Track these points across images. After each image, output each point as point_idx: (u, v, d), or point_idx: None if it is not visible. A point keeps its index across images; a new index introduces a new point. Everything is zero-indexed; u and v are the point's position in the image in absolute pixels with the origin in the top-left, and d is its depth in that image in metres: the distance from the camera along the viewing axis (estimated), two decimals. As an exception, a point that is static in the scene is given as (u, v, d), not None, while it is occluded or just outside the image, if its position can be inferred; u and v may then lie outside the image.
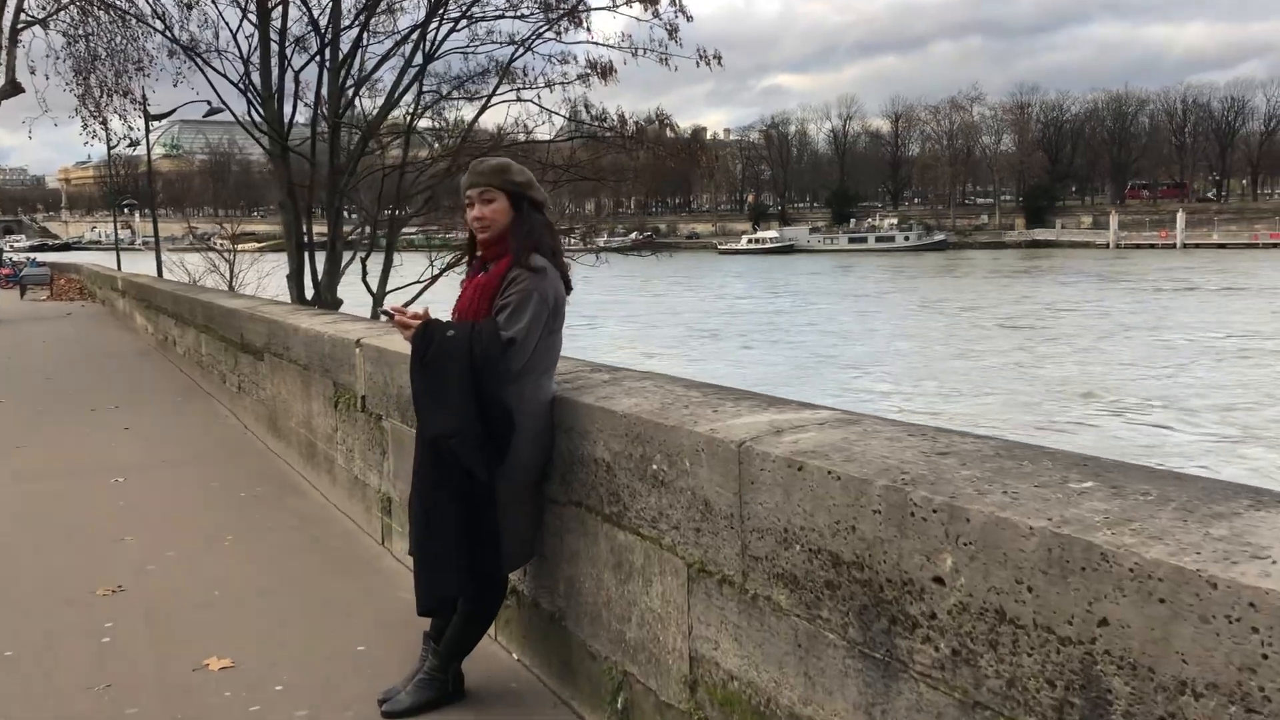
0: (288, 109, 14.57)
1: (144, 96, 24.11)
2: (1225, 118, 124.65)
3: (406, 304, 13.28)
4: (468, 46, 14.76)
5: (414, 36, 14.39)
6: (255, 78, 14.23)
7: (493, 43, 15.01)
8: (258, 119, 14.47)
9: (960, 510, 2.07)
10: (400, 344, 5.64)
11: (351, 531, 6.33)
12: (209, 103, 25.25)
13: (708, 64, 14.83)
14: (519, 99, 14.50)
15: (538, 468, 3.82)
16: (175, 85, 18.61)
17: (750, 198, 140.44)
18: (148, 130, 26.94)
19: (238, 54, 14.31)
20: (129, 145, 29.19)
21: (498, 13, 14.27)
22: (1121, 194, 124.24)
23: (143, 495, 7.36)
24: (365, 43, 14.36)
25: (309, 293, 14.18)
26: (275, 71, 14.34)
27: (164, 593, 5.30)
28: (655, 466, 3.17)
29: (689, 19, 15.02)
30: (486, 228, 3.77)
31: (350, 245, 15.02)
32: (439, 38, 14.29)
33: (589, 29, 13.78)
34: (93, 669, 4.35)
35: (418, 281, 15.02)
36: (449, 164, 14.80)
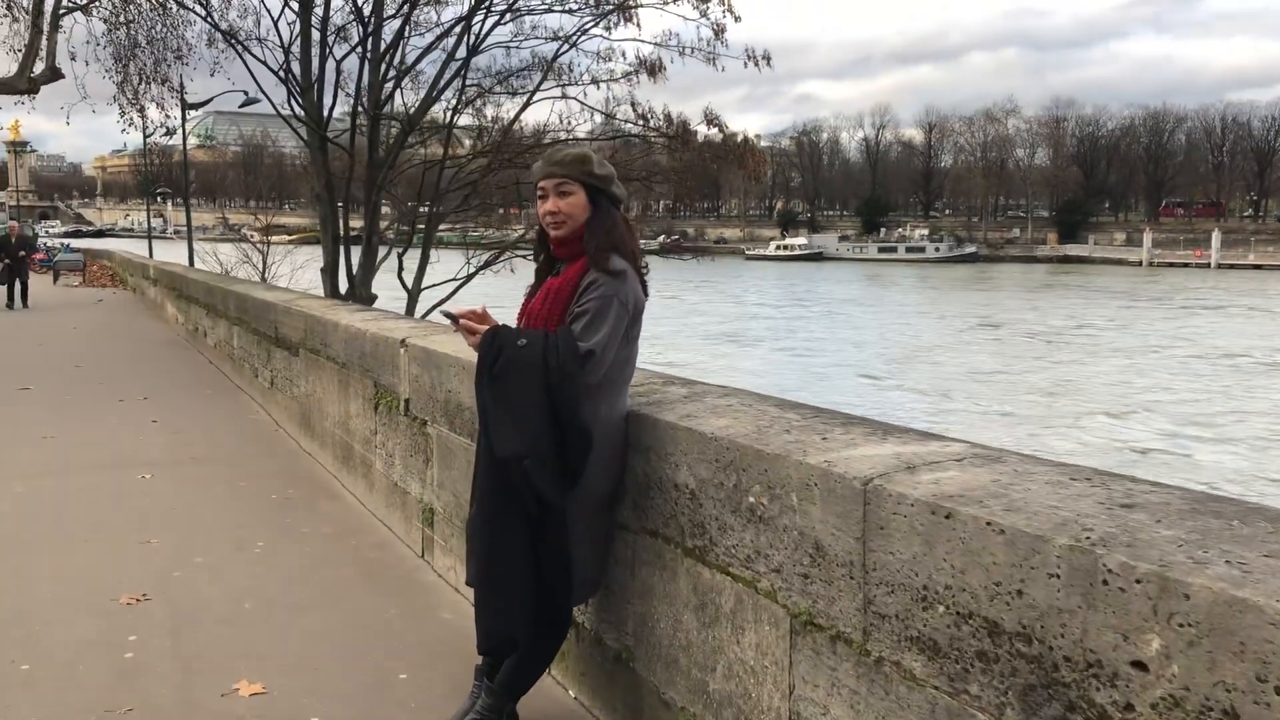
0: (327, 100, 14.32)
1: (181, 85, 23.97)
2: (1265, 137, 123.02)
3: (440, 302, 13.00)
4: (511, 41, 14.47)
5: (457, 29, 14.11)
6: (295, 68, 13.99)
7: (537, 38, 14.70)
8: (296, 109, 14.23)
9: (1175, 584, 1.69)
10: (450, 346, 5.31)
11: (389, 541, 6.00)
12: (245, 93, 25.09)
13: (756, 64, 14.49)
14: (564, 96, 14.19)
15: (610, 490, 3.46)
16: (212, 74, 18.40)
17: (779, 204, 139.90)
18: (184, 119, 26.79)
19: (279, 42, 14.07)
20: (165, 134, 29.12)
21: (545, 6, 13.95)
22: (1156, 211, 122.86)
23: (170, 494, 7.06)
24: (408, 34, 14.09)
25: (343, 287, 13.91)
26: (315, 61, 14.11)
27: (191, 604, 4.97)
28: (752, 499, 2.81)
29: (737, 19, 14.67)
30: (561, 224, 3.42)
31: (386, 240, 14.73)
32: (483, 31, 14.01)
33: (639, 25, 13.47)
34: (114, 689, 4.02)
35: (453, 279, 14.72)
36: (488, 160, 14.51)
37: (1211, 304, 59.70)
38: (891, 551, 2.31)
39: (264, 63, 13.72)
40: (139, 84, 22.07)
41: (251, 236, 34.02)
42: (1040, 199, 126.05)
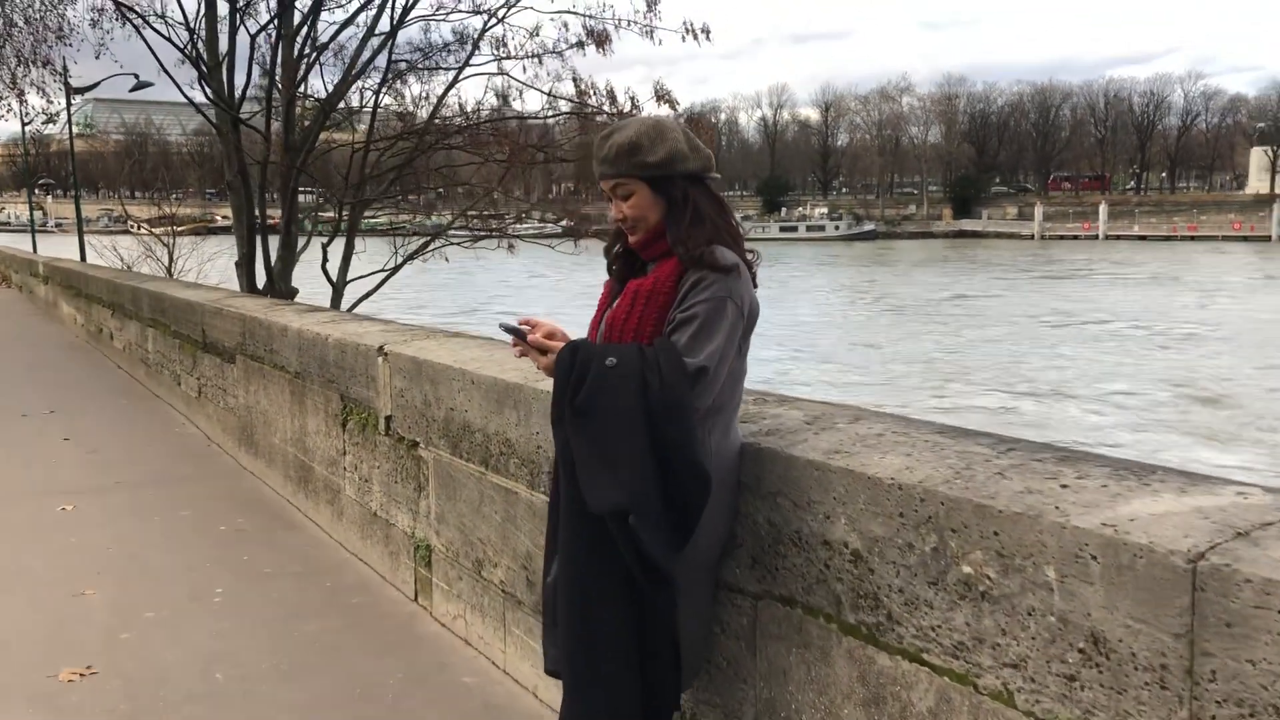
0: (239, 80, 13.21)
1: (65, 68, 22.34)
2: (1145, 113, 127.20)
3: (367, 295, 12.04)
4: (435, 14, 13.54)
5: (377, 2, 13.13)
6: (202, 46, 12.84)
7: (462, 10, 13.79)
8: (204, 91, 13.09)
9: None
10: (446, 354, 4.54)
11: (370, 581, 5.20)
12: (136, 76, 23.54)
13: (695, 38, 13.79)
14: (500, 71, 13.31)
15: (721, 544, 2.77)
16: (97, 57, 16.98)
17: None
18: (69, 105, 25.03)
19: (182, 20, 12.90)
20: (45, 122, 27.21)
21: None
22: (1045, 185, 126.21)
23: (99, 529, 6.13)
24: (324, 6, 13.05)
25: (260, 281, 12.88)
26: (224, 38, 12.99)
27: (150, 676, 4.12)
28: (968, 569, 2.15)
29: (671, -9, 13.98)
30: (633, 227, 2.72)
31: (305, 230, 13.71)
32: (409, 2, 13.05)
33: (581, -8, 12.67)
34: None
35: (382, 270, 13.77)
36: (415, 143, 13.57)
37: (1101, 274, 61.18)
38: (1250, 659, 1.68)
39: (168, 39, 12.56)
40: (16, 67, 20.48)
41: (139, 229, 32.15)
42: (934, 175, 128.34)
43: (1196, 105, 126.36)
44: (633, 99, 12.62)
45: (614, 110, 12.68)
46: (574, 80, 12.54)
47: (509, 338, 2.79)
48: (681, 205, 2.68)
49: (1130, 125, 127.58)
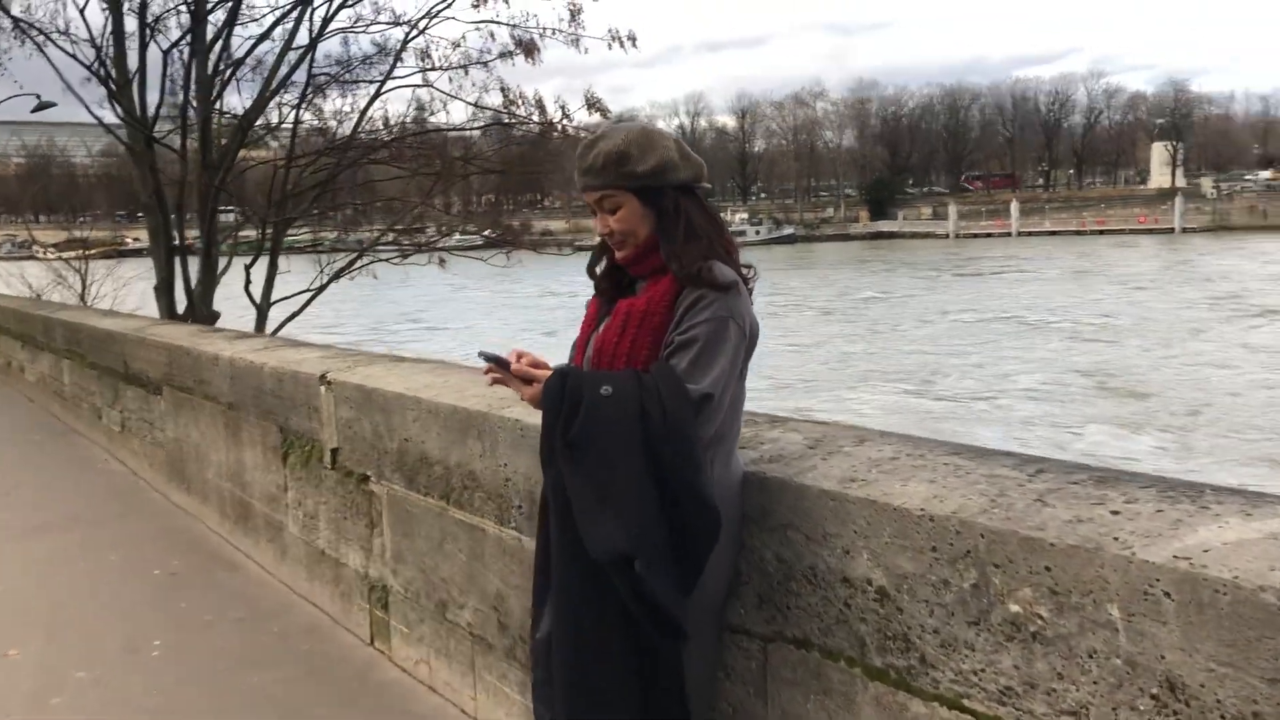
0: (152, 98, 12.67)
1: (-41, 89, 21.39)
2: (1051, 111, 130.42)
3: (292, 316, 11.63)
4: (355, 25, 13.13)
5: (294, 15, 12.71)
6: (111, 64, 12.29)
7: (383, 23, 13.41)
8: (112, 110, 12.56)
9: None
10: (396, 380, 4.28)
11: (320, 624, 4.89)
12: (38, 96, 22.65)
13: (621, 45, 13.62)
14: (425, 83, 12.96)
15: (727, 583, 2.57)
16: (-6, 77, 16.24)
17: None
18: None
19: (87, 37, 12.33)
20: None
21: (396, -15, 12.68)
22: (957, 185, 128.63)
23: (21, 577, 5.72)
24: (239, 20, 12.59)
25: (181, 306, 12.37)
26: (134, 54, 12.45)
27: (87, 745, 3.81)
28: (1016, 608, 1.97)
29: (595, -1, 13.78)
30: (621, 243, 2.51)
31: (225, 252, 13.20)
32: (329, 14, 12.65)
33: (508, 1, 12.36)
34: None
35: (307, 290, 13.32)
36: (339, 157, 13.16)
37: (1014, 270, 62.37)
38: (1362, 706, 1.52)
39: (73, 56, 12.01)
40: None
41: (47, 254, 30.95)
42: (850, 178, 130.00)
43: (1099, 103, 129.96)
44: (563, 108, 12.41)
45: (543, 120, 12.46)
46: (502, 90, 12.29)
47: (485, 365, 2.56)
48: (674, 218, 2.48)
49: (1037, 124, 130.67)
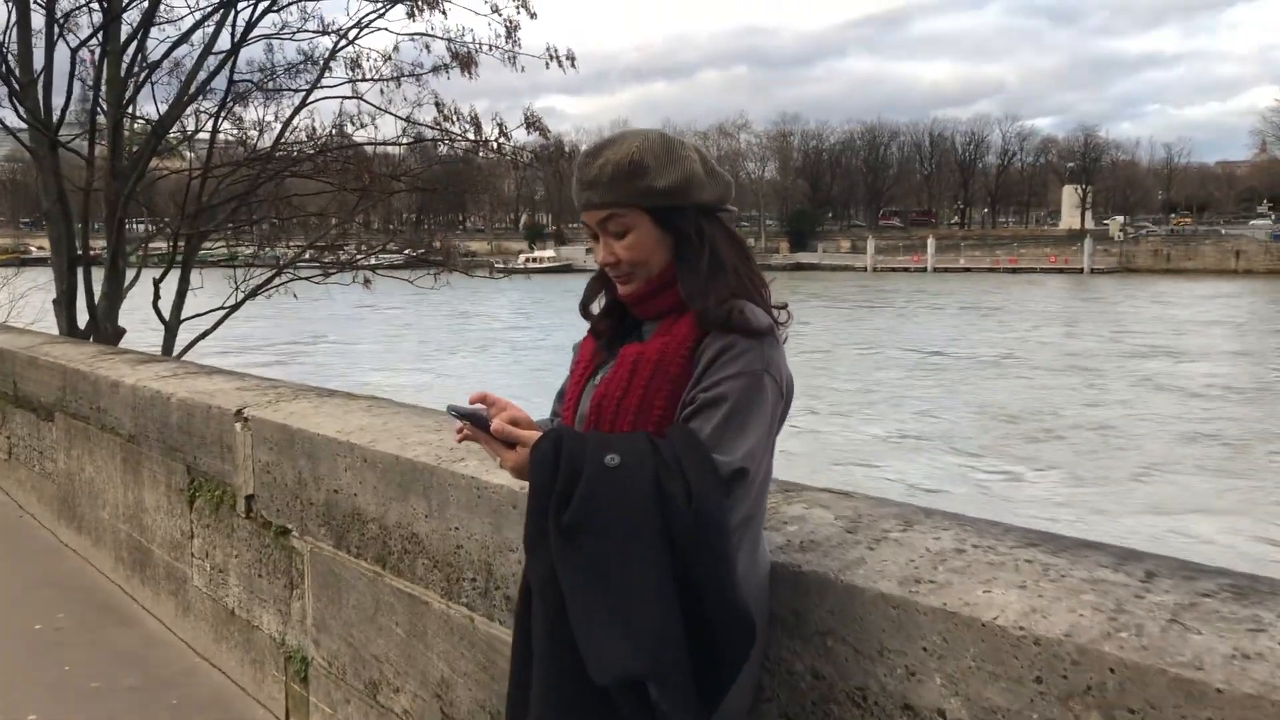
0: (58, 100, 11.82)
1: None
2: (967, 151, 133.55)
3: (204, 334, 10.85)
4: (281, 31, 12.45)
5: (215, 18, 12.00)
6: (15, 61, 11.43)
7: (310, 30, 12.76)
8: (14, 111, 11.69)
9: None
10: (327, 421, 3.73)
11: (228, 695, 4.28)
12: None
13: (560, 65, 13.14)
14: (355, 94, 12.32)
15: (751, 699, 2.08)
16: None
17: (525, 217, 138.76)
18: None
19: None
20: None
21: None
22: (876, 220, 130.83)
23: (-123, 633, 5.00)
24: (155, 21, 11.84)
25: (83, 320, 11.52)
26: (40, 52, 11.62)
27: None
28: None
29: (533, 16, 13.29)
30: (628, 275, 2.03)
31: (133, 264, 12.36)
32: (253, 18, 11.96)
33: (444, 12, 11.79)
34: None
35: (220, 309, 12.54)
36: (260, 169, 12.45)
37: (925, 305, 63.27)
38: None
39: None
40: None
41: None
42: (772, 210, 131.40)
43: (1013, 145, 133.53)
44: (500, 125, 11.87)
45: (478, 138, 11.91)
46: (437, 105, 11.73)
47: (457, 423, 2.06)
48: (696, 245, 2.01)
49: (954, 163, 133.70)
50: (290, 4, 12.35)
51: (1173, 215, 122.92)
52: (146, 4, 11.65)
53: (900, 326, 50.19)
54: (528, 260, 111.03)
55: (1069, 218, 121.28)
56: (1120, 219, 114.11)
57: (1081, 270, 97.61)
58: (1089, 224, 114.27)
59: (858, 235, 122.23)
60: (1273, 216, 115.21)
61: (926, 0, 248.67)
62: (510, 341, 43.04)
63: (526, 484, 1.95)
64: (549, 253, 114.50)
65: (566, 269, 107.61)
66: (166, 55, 12.34)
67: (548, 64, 12.92)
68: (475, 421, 2.00)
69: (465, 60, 11.60)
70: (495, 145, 11.97)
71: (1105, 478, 19.60)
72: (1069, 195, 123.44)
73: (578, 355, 2.23)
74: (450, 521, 3.02)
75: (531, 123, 11.72)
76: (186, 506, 4.73)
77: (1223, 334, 44.85)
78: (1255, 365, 35.93)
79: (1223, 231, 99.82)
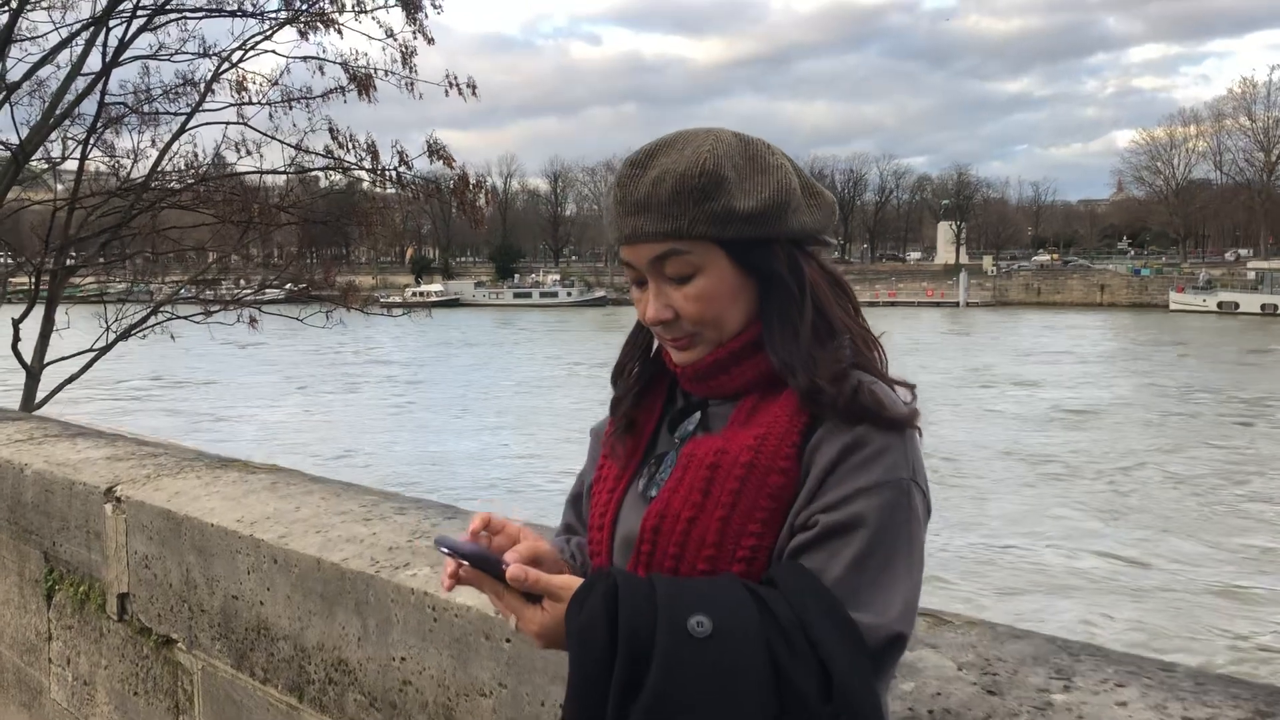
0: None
1: None
2: (846, 189, 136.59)
3: (70, 379, 9.81)
4: (158, 53, 11.45)
5: (84, 37, 10.98)
6: None
7: (189, 53, 11.80)
8: None
9: None
10: (227, 508, 3.01)
11: (93, 842, 3.47)
12: None
13: (460, 93, 12.47)
14: (240, 119, 11.36)
15: None
16: None
17: (411, 250, 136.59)
18: None
19: None
20: None
21: (209, 8, 11.06)
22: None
23: None
24: (15, 37, 10.74)
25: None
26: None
27: None
28: None
29: (430, 41, 12.61)
30: (691, 338, 1.44)
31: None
32: (126, 37, 10.96)
33: (340, 32, 10.97)
34: None
35: (90, 350, 11.44)
36: (134, 199, 11.41)
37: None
38: None
39: None
40: None
41: None
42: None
43: (890, 183, 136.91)
44: (401, 154, 11.10)
45: (375, 167, 11.13)
46: (331, 131, 10.91)
47: (448, 561, 1.40)
48: (794, 294, 1.40)
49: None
50: (167, 23, 11.40)
51: (1040, 250, 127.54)
52: (5, 19, 10.59)
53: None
54: (414, 295, 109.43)
55: (944, 253, 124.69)
56: (991, 255, 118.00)
57: (958, 304, 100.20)
58: (964, 259, 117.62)
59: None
60: (1132, 252, 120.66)
61: (808, 42, 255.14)
62: (389, 379, 41.92)
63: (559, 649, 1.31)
64: (436, 287, 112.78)
65: (454, 303, 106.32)
66: (28, 76, 11.28)
67: (447, 91, 12.27)
68: (478, 562, 1.34)
69: (363, 82, 10.84)
70: (394, 175, 11.19)
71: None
72: (944, 231, 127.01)
73: (603, 444, 1.59)
74: (394, 649, 2.34)
75: (435, 151, 11.00)
76: (43, 602, 3.90)
77: (1082, 362, 46.03)
78: (1101, 389, 37.03)
79: (1091, 266, 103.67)
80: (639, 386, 1.57)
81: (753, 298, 1.41)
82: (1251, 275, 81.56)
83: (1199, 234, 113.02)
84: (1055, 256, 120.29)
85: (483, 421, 30.83)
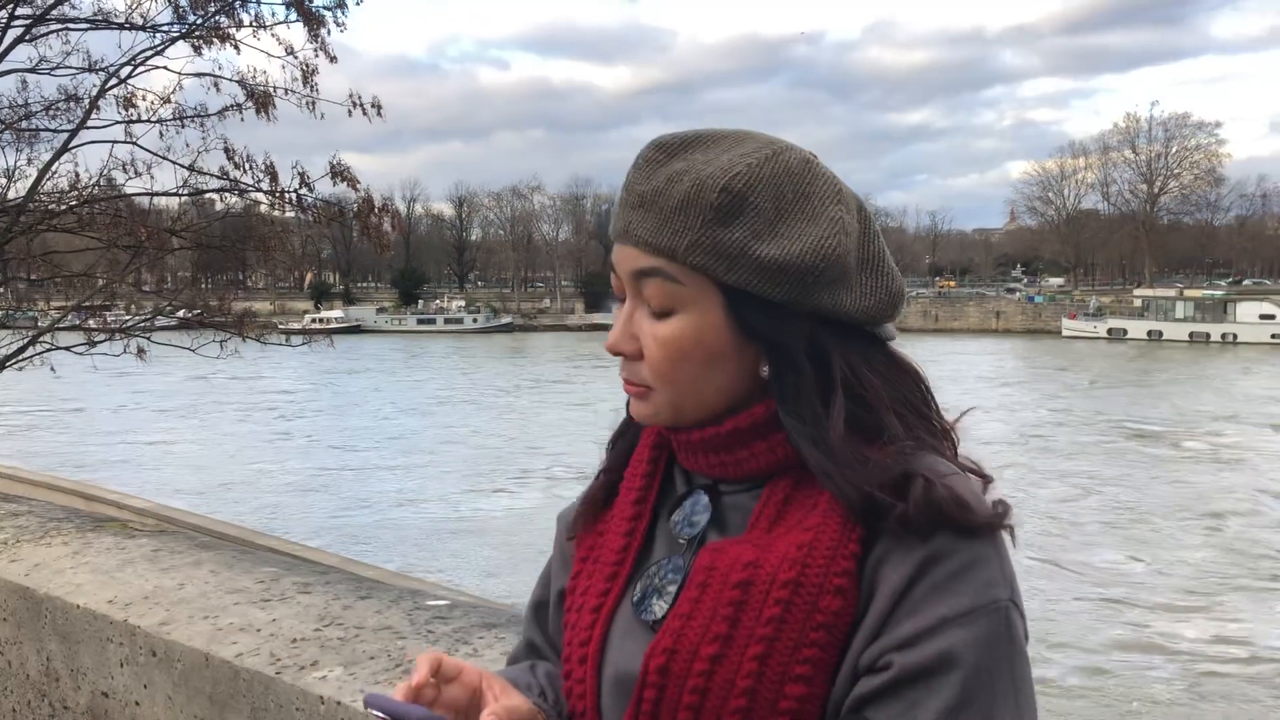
0: None
1: None
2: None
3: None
4: (38, 65, 10.73)
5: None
6: None
7: (73, 67, 11.09)
8: None
9: None
10: (100, 585, 2.57)
11: None
12: None
13: (364, 113, 11.97)
14: (129, 138, 10.67)
15: None
16: None
17: (310, 276, 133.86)
18: None
19: None
20: None
21: (96, 20, 10.39)
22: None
23: None
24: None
25: None
26: None
27: None
28: None
29: (332, 59, 12.09)
30: (645, 387, 1.11)
31: None
32: (1, 47, 10.21)
33: (237, 47, 10.38)
34: None
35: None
36: (9, 222, 10.63)
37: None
38: None
39: None
40: None
41: None
42: (567, 271, 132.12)
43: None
44: (302, 175, 10.55)
45: (275, 190, 10.57)
46: (226, 151, 10.33)
47: None
48: (813, 384, 1.05)
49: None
50: (49, 34, 10.70)
51: (937, 278, 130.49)
52: None
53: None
54: (314, 321, 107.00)
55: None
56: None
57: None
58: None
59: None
60: (1025, 280, 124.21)
61: (715, 71, 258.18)
62: (274, 408, 40.75)
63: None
64: (336, 313, 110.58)
65: (355, 330, 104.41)
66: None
67: (350, 111, 11.76)
68: None
69: (262, 100, 10.29)
70: (295, 197, 10.64)
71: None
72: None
73: (578, 540, 1.23)
74: (300, 768, 1.92)
75: (339, 172, 10.49)
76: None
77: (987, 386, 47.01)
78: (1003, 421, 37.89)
79: (989, 294, 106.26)
80: (619, 440, 1.24)
81: (750, 365, 1.07)
82: (1138, 303, 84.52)
83: (1088, 262, 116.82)
84: (950, 284, 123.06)
85: (371, 455, 30.17)
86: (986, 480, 1.08)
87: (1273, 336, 70.78)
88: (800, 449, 1.03)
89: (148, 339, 12.29)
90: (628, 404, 1.19)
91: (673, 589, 1.08)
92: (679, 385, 1.07)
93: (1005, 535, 1.02)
